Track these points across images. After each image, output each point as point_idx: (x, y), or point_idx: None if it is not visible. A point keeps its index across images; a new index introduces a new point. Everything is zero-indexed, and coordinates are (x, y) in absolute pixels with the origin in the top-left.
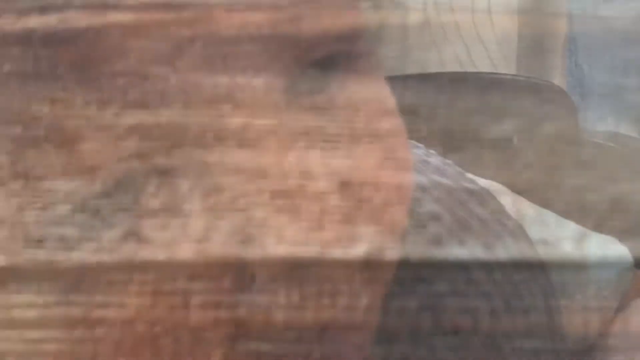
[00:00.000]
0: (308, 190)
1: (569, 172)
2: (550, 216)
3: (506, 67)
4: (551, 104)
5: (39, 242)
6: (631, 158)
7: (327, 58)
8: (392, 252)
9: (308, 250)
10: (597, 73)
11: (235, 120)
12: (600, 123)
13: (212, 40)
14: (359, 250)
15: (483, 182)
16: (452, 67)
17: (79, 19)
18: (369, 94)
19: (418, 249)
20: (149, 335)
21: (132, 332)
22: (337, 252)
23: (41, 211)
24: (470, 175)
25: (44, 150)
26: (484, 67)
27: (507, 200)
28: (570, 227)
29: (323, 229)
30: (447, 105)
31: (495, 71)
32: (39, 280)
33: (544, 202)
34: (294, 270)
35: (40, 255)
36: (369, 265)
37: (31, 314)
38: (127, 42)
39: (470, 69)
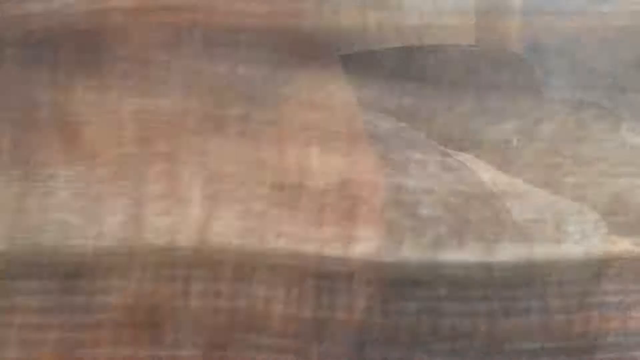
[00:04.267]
0: (306, 187)
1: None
2: (531, 192)
3: (464, 36)
4: (512, 73)
5: (41, 227)
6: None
7: (325, 55)
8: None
9: (307, 245)
10: (552, 40)
11: (235, 111)
12: (560, 91)
13: (213, 28)
14: (357, 250)
15: (460, 156)
16: (410, 38)
17: (80, 4)
18: (367, 95)
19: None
20: (149, 321)
21: (133, 318)
22: (336, 251)
23: (43, 196)
24: (442, 148)
25: (46, 135)
26: (442, 37)
27: (486, 174)
28: (551, 204)
29: (322, 224)
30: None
31: (455, 42)
32: (41, 266)
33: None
34: (293, 266)
35: (42, 240)
36: (367, 263)
37: (33, 300)
38: (128, 27)
39: (428, 40)
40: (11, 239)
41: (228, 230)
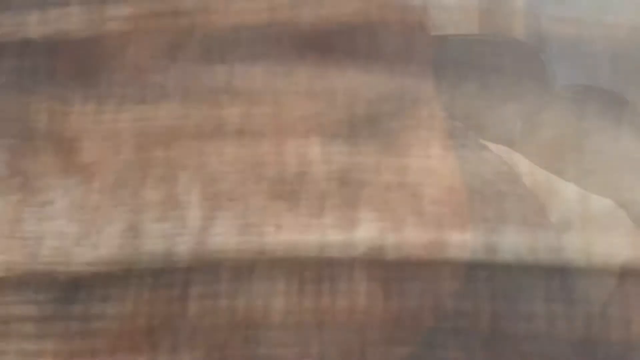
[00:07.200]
0: (307, 177)
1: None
2: (568, 189)
3: (468, 27)
4: (518, 60)
5: (39, 237)
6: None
7: (326, 44)
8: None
9: (308, 234)
10: (555, 27)
11: (234, 110)
12: (565, 76)
13: (211, 30)
14: (359, 237)
15: (496, 147)
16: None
17: (77, 13)
18: (368, 79)
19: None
20: (149, 327)
21: (131, 325)
22: (337, 239)
23: (41, 207)
24: (482, 141)
25: (43, 146)
26: (446, 28)
27: (490, 158)
28: (555, 194)
29: (323, 211)
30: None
31: (457, 32)
32: (39, 276)
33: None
34: (294, 258)
35: (41, 250)
36: (369, 253)
37: (31, 309)
38: (126, 35)
39: (432, 28)
40: (9, 249)
41: (227, 229)
